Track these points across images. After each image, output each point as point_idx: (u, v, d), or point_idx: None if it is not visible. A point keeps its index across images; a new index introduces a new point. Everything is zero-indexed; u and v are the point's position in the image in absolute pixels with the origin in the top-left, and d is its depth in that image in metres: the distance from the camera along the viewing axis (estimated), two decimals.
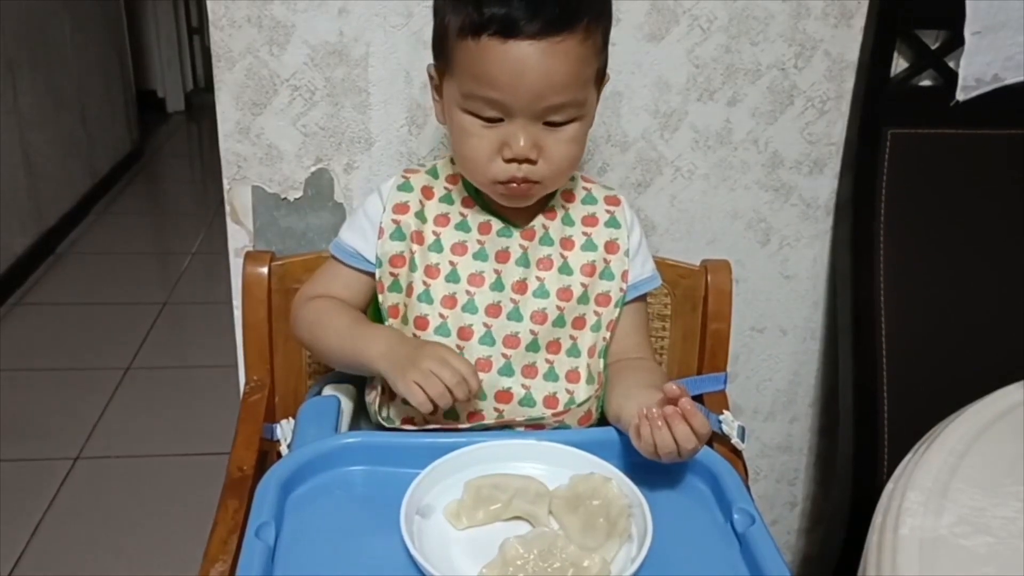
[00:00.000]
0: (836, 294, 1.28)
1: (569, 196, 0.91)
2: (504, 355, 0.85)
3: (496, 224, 0.88)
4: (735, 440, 0.89)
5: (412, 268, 0.86)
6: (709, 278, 1.06)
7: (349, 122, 1.12)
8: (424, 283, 0.86)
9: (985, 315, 1.23)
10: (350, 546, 0.69)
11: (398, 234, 0.86)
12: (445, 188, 0.89)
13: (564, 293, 0.87)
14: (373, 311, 0.90)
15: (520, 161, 0.79)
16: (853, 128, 1.20)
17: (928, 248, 1.22)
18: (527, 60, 0.74)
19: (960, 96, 1.18)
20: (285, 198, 1.15)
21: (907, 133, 1.19)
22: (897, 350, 1.20)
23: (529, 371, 0.85)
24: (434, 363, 0.75)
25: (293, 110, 1.10)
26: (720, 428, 0.90)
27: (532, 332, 0.85)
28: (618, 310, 0.88)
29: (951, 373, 1.20)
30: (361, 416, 0.92)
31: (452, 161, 0.90)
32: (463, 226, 0.87)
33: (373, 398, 0.86)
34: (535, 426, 0.84)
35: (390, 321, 0.86)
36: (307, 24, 1.06)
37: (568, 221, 0.89)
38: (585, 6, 0.76)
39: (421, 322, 0.85)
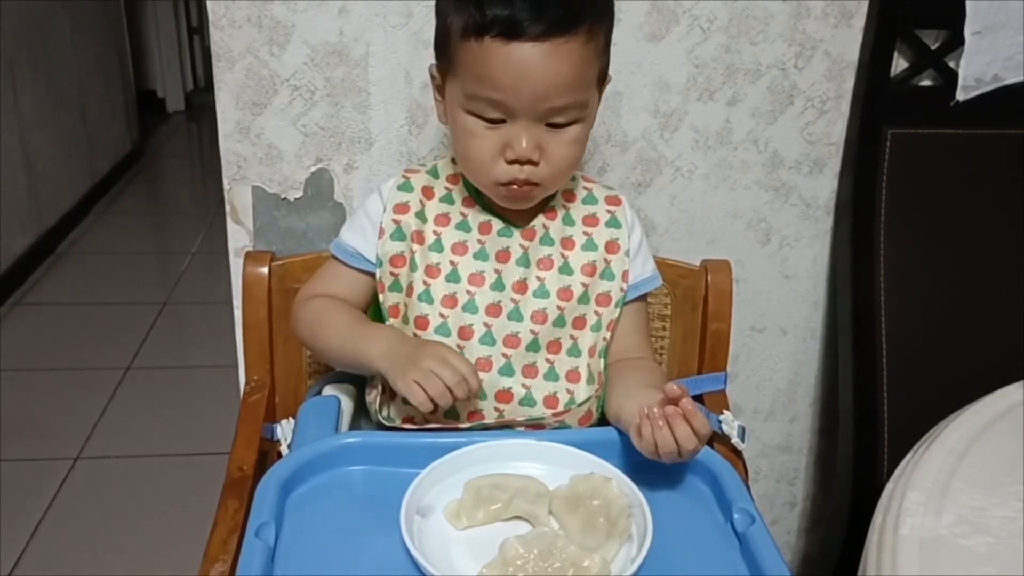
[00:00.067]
0: (836, 294, 1.28)
1: (570, 196, 0.91)
2: (504, 355, 0.85)
3: (497, 224, 0.88)
4: (735, 440, 0.89)
5: (412, 268, 0.86)
6: (709, 278, 1.06)
7: (349, 122, 1.12)
8: (424, 283, 0.86)
9: (985, 315, 1.23)
10: (350, 546, 0.69)
11: (398, 234, 0.86)
12: (446, 188, 0.89)
13: (564, 293, 0.87)
14: (374, 311, 0.90)
15: (522, 162, 0.79)
16: (853, 128, 1.20)
17: (928, 248, 1.22)
18: (530, 62, 0.74)
19: (960, 96, 1.18)
20: (285, 198, 1.15)
21: (907, 133, 1.19)
22: (897, 350, 1.20)
23: (529, 371, 0.85)
24: (434, 362, 0.75)
25: (293, 110, 1.10)
26: (720, 428, 0.90)
27: (532, 332, 0.85)
28: (618, 310, 0.88)
29: (951, 373, 1.20)
30: (361, 416, 0.92)
31: (453, 161, 0.90)
32: (464, 226, 0.87)
33: (374, 397, 0.86)
34: (535, 426, 0.84)
35: (391, 321, 0.86)
36: (307, 24, 1.06)
37: (569, 221, 0.89)
38: (588, 7, 0.76)
39: (421, 322, 0.85)
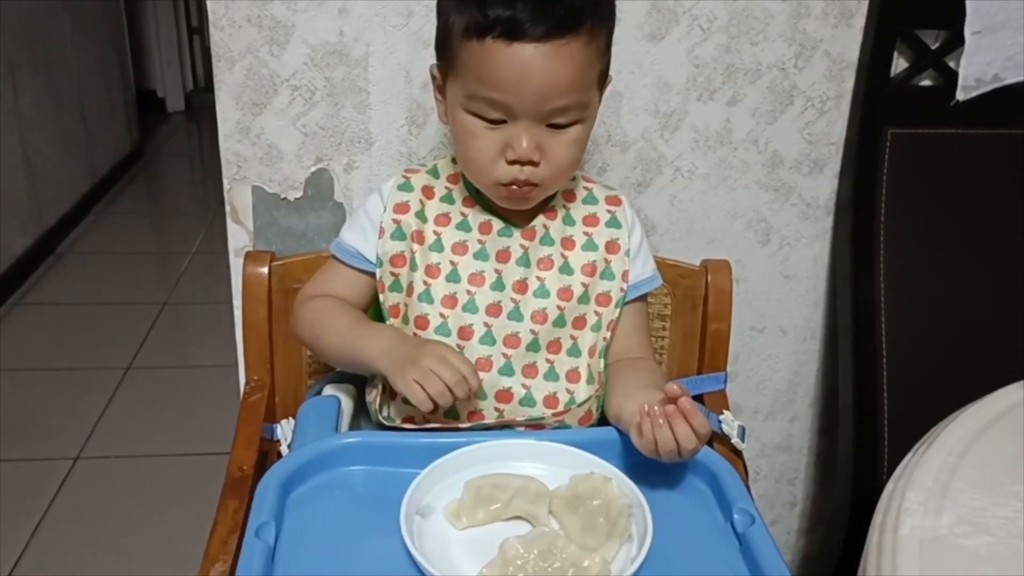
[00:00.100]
0: (836, 294, 1.28)
1: (570, 196, 0.91)
2: (504, 355, 0.85)
3: (497, 224, 0.88)
4: (735, 440, 0.89)
5: (413, 268, 0.86)
6: (709, 278, 1.06)
7: (349, 122, 1.12)
8: (425, 283, 0.86)
9: (985, 315, 1.23)
10: (350, 546, 0.69)
11: (399, 234, 0.86)
12: (446, 188, 0.89)
13: (565, 293, 0.87)
14: (374, 311, 0.90)
15: (523, 163, 0.79)
16: (853, 128, 1.20)
17: (928, 248, 1.22)
18: (532, 62, 0.74)
19: (960, 96, 1.18)
20: (285, 198, 1.15)
21: (907, 133, 1.19)
22: (897, 350, 1.20)
23: (529, 371, 0.85)
24: (434, 361, 0.75)
25: (293, 110, 1.10)
26: (720, 428, 0.90)
27: (532, 332, 0.85)
28: (618, 310, 0.88)
29: (951, 373, 1.20)
30: (361, 416, 0.92)
31: (453, 161, 0.90)
32: (464, 226, 0.87)
33: (374, 397, 0.86)
34: (535, 426, 0.84)
35: (391, 321, 0.86)
36: (307, 24, 1.06)
37: (569, 221, 0.89)
38: (590, 9, 0.76)
39: (422, 321, 0.85)
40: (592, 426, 0.87)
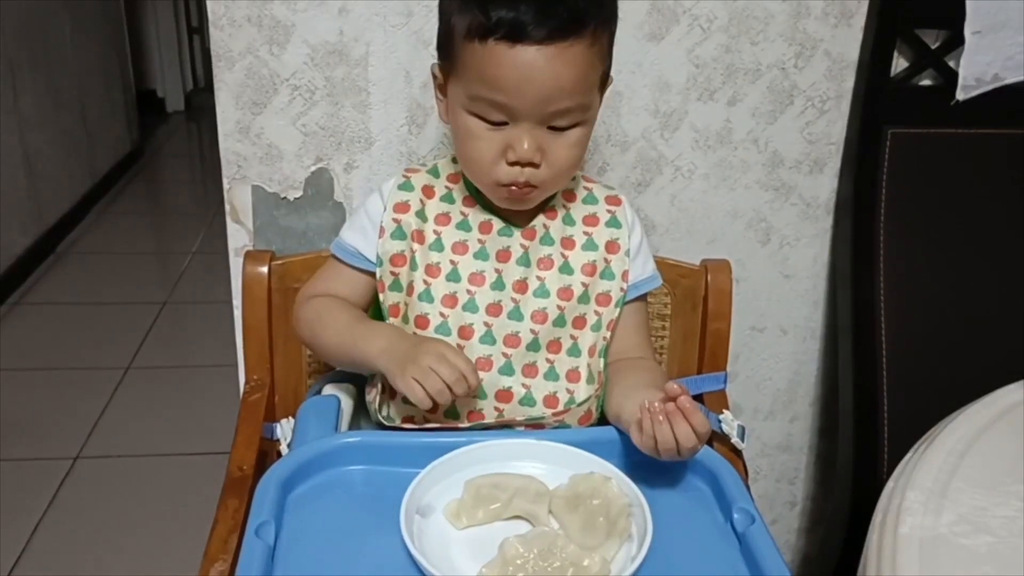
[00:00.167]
0: (836, 293, 1.28)
1: (570, 196, 0.91)
2: (504, 354, 0.85)
3: (497, 223, 0.88)
4: (735, 439, 0.89)
5: (413, 267, 0.86)
6: (709, 278, 1.06)
7: (349, 122, 1.12)
8: (425, 282, 0.86)
9: (985, 315, 1.23)
10: (350, 546, 0.69)
11: (399, 233, 0.86)
12: (446, 187, 0.89)
13: (565, 292, 0.87)
14: (375, 311, 0.90)
15: (523, 164, 0.79)
16: (853, 127, 1.20)
17: (928, 248, 1.22)
18: (534, 65, 0.74)
19: (960, 96, 1.18)
20: (285, 197, 1.15)
21: (907, 132, 1.19)
22: (897, 350, 1.20)
23: (529, 370, 0.85)
24: (433, 359, 0.75)
25: (293, 110, 1.10)
26: (720, 427, 0.90)
27: (532, 331, 0.85)
28: (618, 310, 0.88)
29: (951, 373, 1.20)
30: (361, 415, 0.92)
31: (453, 160, 0.90)
32: (464, 225, 0.87)
33: (373, 397, 0.86)
34: (535, 425, 0.84)
35: (391, 320, 0.86)
36: (307, 24, 1.06)
37: (569, 221, 0.89)
38: (593, 11, 0.76)
39: (422, 321, 0.85)
40: (592, 426, 0.87)
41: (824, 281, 1.31)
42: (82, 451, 1.97)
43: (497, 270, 0.86)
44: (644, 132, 1.17)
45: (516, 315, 0.85)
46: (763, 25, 1.14)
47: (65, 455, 1.95)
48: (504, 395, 0.84)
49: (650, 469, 0.76)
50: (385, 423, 0.86)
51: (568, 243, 0.88)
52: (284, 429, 0.89)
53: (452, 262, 0.86)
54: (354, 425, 0.90)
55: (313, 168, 1.13)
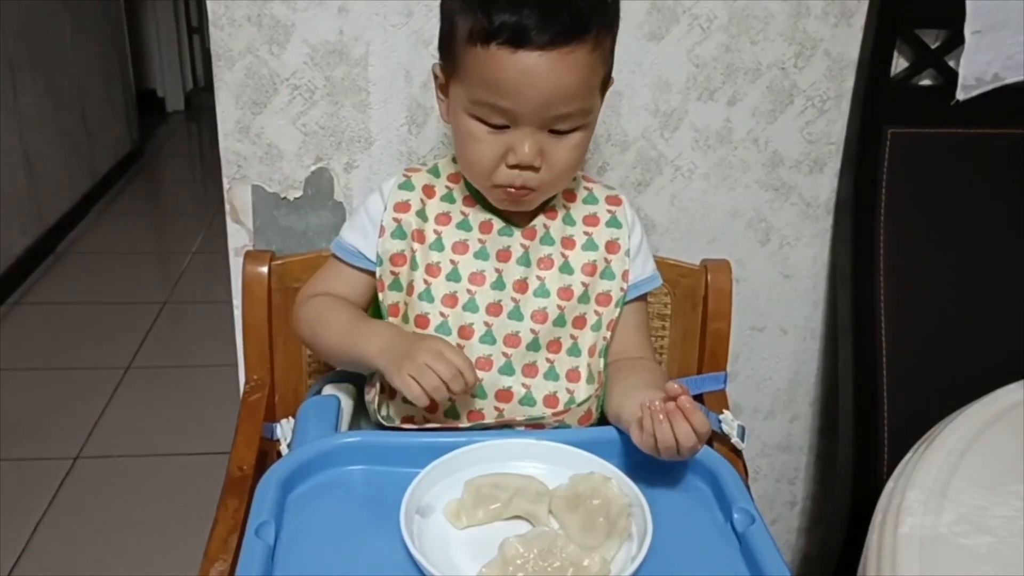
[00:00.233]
0: (836, 293, 1.28)
1: (570, 196, 0.91)
2: (504, 354, 0.85)
3: (497, 223, 0.88)
4: (735, 439, 0.89)
5: (413, 267, 0.86)
6: (709, 277, 1.06)
7: (349, 121, 1.12)
8: (425, 281, 0.86)
9: (985, 314, 1.23)
10: (350, 545, 0.69)
11: (399, 232, 0.86)
12: (446, 187, 0.89)
13: (565, 292, 0.87)
14: (375, 310, 0.90)
15: (523, 168, 0.79)
16: (853, 127, 1.20)
17: (928, 247, 1.22)
18: (536, 69, 0.74)
19: (960, 95, 1.18)
20: (285, 197, 1.15)
21: (907, 132, 1.19)
22: (897, 350, 1.20)
23: (529, 370, 0.85)
24: (429, 356, 0.75)
25: (293, 109, 1.10)
26: (720, 427, 0.90)
27: (533, 331, 0.85)
28: (618, 310, 0.88)
29: (951, 373, 1.20)
30: (361, 415, 0.92)
31: (454, 160, 0.90)
32: (464, 225, 0.87)
33: (372, 396, 0.86)
34: (535, 425, 0.84)
35: (390, 319, 0.86)
36: (307, 23, 1.06)
37: (569, 221, 0.89)
38: (595, 16, 0.76)
39: (422, 320, 0.85)
40: (592, 426, 0.87)
41: (824, 281, 1.31)
42: (82, 451, 1.97)
43: (497, 270, 0.86)
44: (644, 132, 1.17)
45: (516, 315, 0.85)
46: (763, 25, 1.14)
47: (65, 455, 1.95)
48: (504, 395, 0.84)
49: (650, 469, 0.76)
50: (384, 423, 0.86)
51: (568, 243, 0.88)
52: (284, 429, 0.89)
53: (452, 262, 0.86)
54: (354, 425, 0.90)
55: (313, 168, 1.13)
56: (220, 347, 1.57)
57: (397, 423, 0.85)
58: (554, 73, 0.74)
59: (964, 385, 1.02)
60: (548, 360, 0.86)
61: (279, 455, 0.85)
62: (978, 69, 1.16)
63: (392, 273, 0.86)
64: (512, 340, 0.85)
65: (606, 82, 0.83)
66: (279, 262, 1.03)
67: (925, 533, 0.77)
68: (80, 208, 3.33)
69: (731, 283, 1.06)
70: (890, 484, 0.87)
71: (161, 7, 4.73)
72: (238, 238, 1.16)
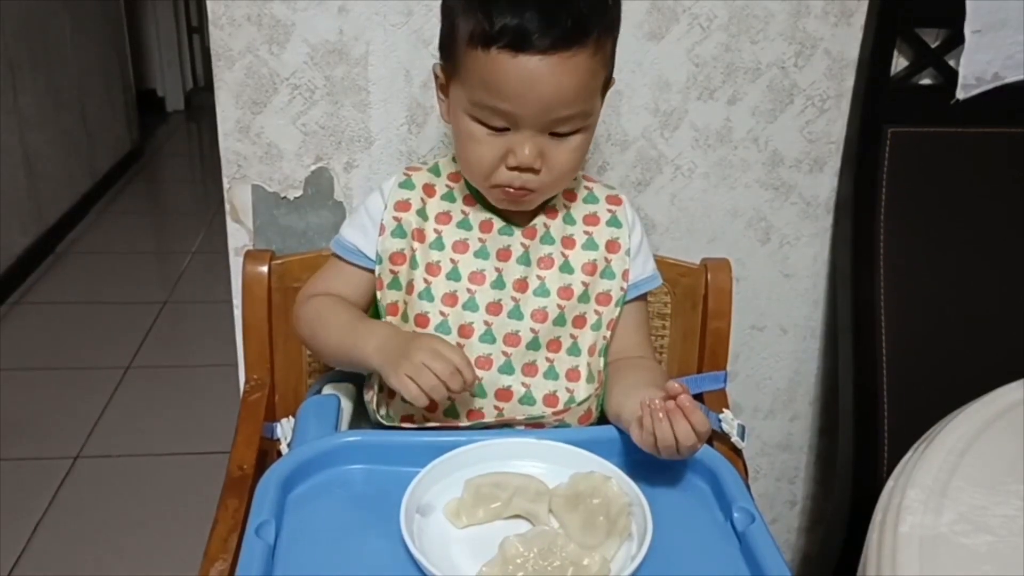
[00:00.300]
0: (836, 293, 1.28)
1: (570, 195, 0.91)
2: (504, 353, 0.85)
3: (497, 222, 0.88)
4: (735, 439, 0.89)
5: (413, 266, 0.86)
6: (709, 277, 1.06)
7: (349, 121, 1.11)
8: (425, 281, 0.86)
9: (985, 314, 1.23)
10: (350, 545, 0.69)
11: (399, 231, 0.86)
12: (447, 186, 0.89)
13: (565, 292, 0.87)
14: (375, 310, 0.90)
15: (523, 170, 0.79)
16: (853, 126, 1.20)
17: (928, 247, 1.22)
18: (537, 73, 0.74)
19: (960, 94, 1.18)
20: (285, 197, 1.15)
21: (907, 131, 1.19)
22: (897, 350, 1.20)
23: (529, 369, 0.85)
24: (426, 355, 0.74)
25: (293, 109, 1.10)
26: (720, 427, 0.90)
27: (532, 330, 0.85)
28: (618, 309, 0.88)
29: (951, 373, 1.20)
30: (361, 415, 0.91)
31: (454, 159, 0.90)
32: (464, 224, 0.87)
33: (371, 396, 0.86)
34: (535, 425, 0.84)
35: (388, 318, 0.86)
36: (307, 23, 1.06)
37: (569, 220, 0.89)
38: (596, 20, 0.75)
39: (422, 319, 0.85)
40: (592, 425, 0.87)
41: (824, 280, 1.31)
42: (82, 451, 1.97)
43: (497, 269, 0.86)
44: (644, 131, 1.17)
45: (516, 314, 0.85)
46: (763, 24, 1.14)
47: (65, 455, 1.95)
48: (504, 394, 0.84)
49: (650, 468, 0.76)
50: (384, 422, 0.85)
51: (568, 242, 0.88)
52: (284, 429, 0.88)
53: (452, 261, 0.86)
54: (354, 425, 0.90)
55: (313, 167, 1.13)
56: (220, 347, 1.58)
57: (396, 422, 0.85)
58: (555, 77, 0.74)
59: (964, 385, 1.02)
60: (548, 359, 0.86)
61: (279, 455, 0.85)
62: (978, 68, 1.16)
63: (391, 272, 0.86)
64: (512, 339, 0.85)
65: (607, 84, 0.83)
66: (279, 262, 1.02)
67: (925, 532, 0.77)
68: (80, 208, 3.33)
69: (731, 282, 1.06)
70: (890, 483, 0.87)
71: (161, 7, 4.73)
72: (238, 238, 1.16)
